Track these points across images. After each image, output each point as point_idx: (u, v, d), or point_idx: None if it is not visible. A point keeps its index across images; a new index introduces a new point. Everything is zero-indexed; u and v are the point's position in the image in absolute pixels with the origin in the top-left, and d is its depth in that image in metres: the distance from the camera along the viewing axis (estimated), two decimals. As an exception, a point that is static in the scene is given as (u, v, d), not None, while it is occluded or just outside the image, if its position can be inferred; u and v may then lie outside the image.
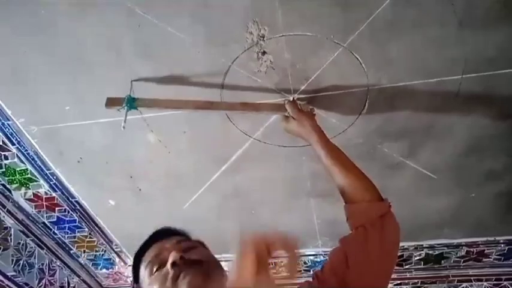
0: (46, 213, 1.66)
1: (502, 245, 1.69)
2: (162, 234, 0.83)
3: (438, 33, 1.03)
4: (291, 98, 1.18)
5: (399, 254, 1.75)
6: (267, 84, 1.17)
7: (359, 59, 1.10)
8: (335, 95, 1.16)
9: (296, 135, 1.10)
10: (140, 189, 1.52)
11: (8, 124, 1.33)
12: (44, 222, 1.70)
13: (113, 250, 1.86)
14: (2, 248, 1.55)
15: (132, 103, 1.11)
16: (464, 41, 1.04)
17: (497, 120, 1.19)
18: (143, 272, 0.78)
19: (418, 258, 1.77)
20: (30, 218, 1.67)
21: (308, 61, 1.11)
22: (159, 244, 0.80)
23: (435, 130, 1.23)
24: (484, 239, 1.65)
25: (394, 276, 1.86)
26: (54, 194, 1.57)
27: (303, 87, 1.17)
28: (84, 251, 1.87)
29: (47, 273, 1.78)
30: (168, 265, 0.72)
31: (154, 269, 0.75)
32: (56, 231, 1.74)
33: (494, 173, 1.33)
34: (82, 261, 1.93)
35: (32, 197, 1.59)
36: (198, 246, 0.80)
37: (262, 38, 1.07)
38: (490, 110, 1.18)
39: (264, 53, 1.10)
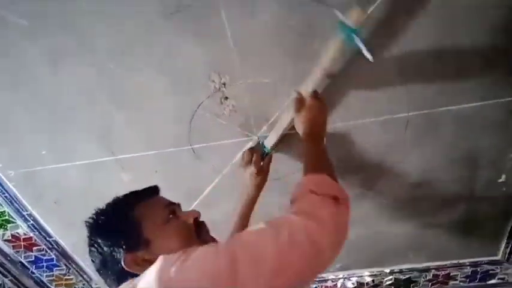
0: (24, 252, 1.69)
1: (468, 267, 1.76)
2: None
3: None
4: (255, 138, 1.28)
5: (370, 279, 1.81)
6: (231, 125, 1.26)
7: (313, 101, 1.20)
8: (293, 134, 1.25)
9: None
10: (116, 227, 1.57)
11: (-15, 169, 1.39)
12: (21, 262, 1.72)
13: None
14: (-20, 290, 1.57)
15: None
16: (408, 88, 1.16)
17: (443, 153, 1.30)
18: (143, 213, 0.80)
19: (388, 283, 1.82)
20: (8, 258, 1.69)
21: (267, 104, 1.21)
22: (159, 197, 0.87)
23: (389, 163, 1.33)
24: (449, 262, 1.72)
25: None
26: (31, 234, 1.61)
27: (264, 128, 1.27)
28: (62, 290, 1.89)
29: (24, 314, 1.79)
30: (191, 219, 0.82)
31: (170, 216, 0.80)
32: (33, 271, 1.76)
33: (446, 201, 1.42)
34: (60, 300, 1.94)
35: (10, 237, 1.62)
36: None
37: (223, 85, 1.17)
38: (437, 143, 1.29)
39: (226, 98, 1.20)
